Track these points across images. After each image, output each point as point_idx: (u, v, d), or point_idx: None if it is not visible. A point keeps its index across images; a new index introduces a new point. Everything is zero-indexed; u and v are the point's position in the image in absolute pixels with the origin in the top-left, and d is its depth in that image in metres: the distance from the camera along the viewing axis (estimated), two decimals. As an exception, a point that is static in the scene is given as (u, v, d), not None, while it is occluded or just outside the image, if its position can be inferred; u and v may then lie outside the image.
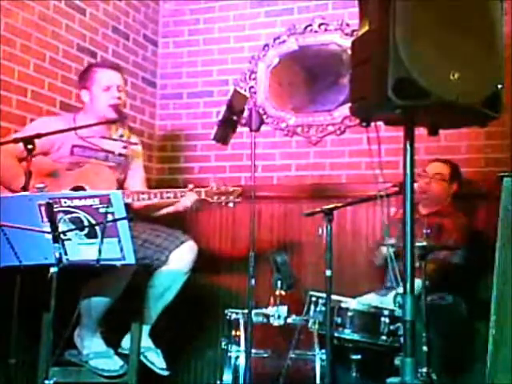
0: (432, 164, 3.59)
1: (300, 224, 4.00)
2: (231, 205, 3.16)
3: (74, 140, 3.15)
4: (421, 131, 2.11)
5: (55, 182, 3.04)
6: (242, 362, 2.92)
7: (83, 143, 3.18)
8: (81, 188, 3.05)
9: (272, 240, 4.09)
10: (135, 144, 3.45)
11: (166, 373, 3.27)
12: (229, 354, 3.00)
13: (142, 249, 3.17)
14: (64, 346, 2.71)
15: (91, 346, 3.14)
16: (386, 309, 3.01)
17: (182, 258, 3.25)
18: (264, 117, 4.16)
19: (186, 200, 3.14)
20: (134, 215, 3.26)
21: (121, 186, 3.33)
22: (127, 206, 3.07)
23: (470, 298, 3.45)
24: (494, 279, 2.29)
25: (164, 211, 3.31)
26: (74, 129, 3.04)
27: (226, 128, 2.80)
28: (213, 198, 3.15)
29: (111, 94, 3.24)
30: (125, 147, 3.36)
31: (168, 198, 3.14)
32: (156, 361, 3.25)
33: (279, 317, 2.92)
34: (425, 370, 2.84)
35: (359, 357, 3.03)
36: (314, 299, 3.07)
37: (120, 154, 3.33)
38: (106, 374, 3.09)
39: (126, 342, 3.24)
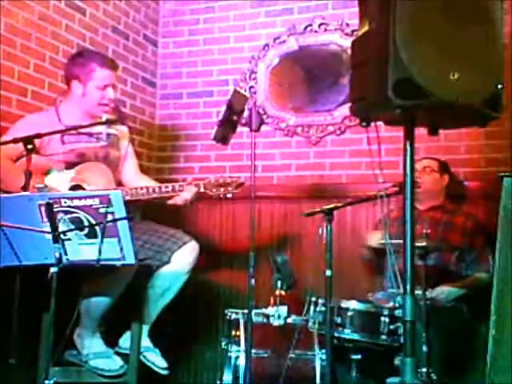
0: (420, 161, 3.57)
1: (300, 224, 4.00)
2: (230, 196, 3.16)
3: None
4: (421, 131, 2.11)
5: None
6: (242, 362, 2.92)
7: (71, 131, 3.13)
8: (78, 186, 3.05)
9: (272, 240, 4.08)
10: (121, 124, 3.39)
11: (166, 372, 3.28)
12: (229, 354, 3.00)
13: (144, 250, 3.17)
14: (64, 346, 2.71)
15: (91, 346, 3.15)
16: (386, 308, 3.01)
17: (184, 258, 3.26)
18: (264, 117, 4.16)
19: (186, 193, 3.14)
20: (138, 210, 3.30)
21: (117, 164, 3.32)
22: (129, 203, 3.13)
23: (471, 297, 3.45)
24: (494, 279, 2.29)
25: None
26: (75, 128, 3.04)
27: (226, 128, 2.79)
28: (212, 191, 3.15)
29: (105, 94, 3.21)
30: (108, 126, 3.30)
31: (167, 192, 3.14)
32: (156, 360, 3.26)
33: (279, 317, 2.92)
34: (425, 369, 2.84)
35: (359, 357, 3.03)
36: (313, 299, 3.07)
37: (108, 134, 3.29)
38: (105, 373, 3.09)
39: (123, 341, 3.25)
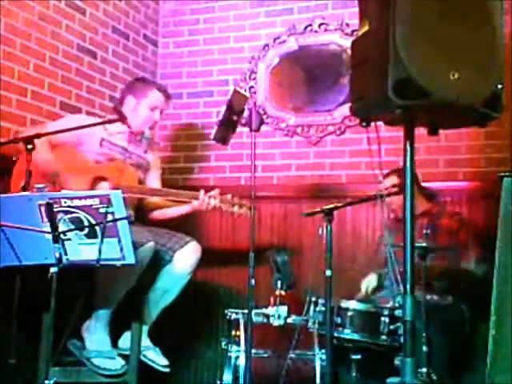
0: (387, 179, 3.41)
1: (300, 224, 4.00)
2: (240, 216, 3.31)
3: (103, 134, 3.30)
4: (421, 131, 2.11)
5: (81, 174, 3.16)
6: (242, 362, 2.92)
7: (111, 139, 3.33)
8: (102, 178, 3.16)
9: (272, 240, 4.08)
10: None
11: (167, 369, 3.28)
12: (229, 354, 3.00)
13: None
14: (64, 346, 2.71)
15: (99, 342, 3.13)
16: (385, 308, 3.01)
17: (186, 258, 3.27)
18: (264, 117, 4.16)
19: (214, 201, 3.26)
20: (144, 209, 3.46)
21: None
22: (138, 201, 3.34)
23: (471, 298, 3.45)
24: (494, 279, 2.29)
25: (176, 210, 3.44)
26: (75, 128, 3.04)
27: (226, 128, 2.79)
28: (226, 206, 3.29)
29: (153, 115, 3.44)
30: (145, 151, 3.54)
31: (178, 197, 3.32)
32: (156, 359, 3.26)
33: (279, 317, 2.92)
34: (425, 369, 2.83)
35: (359, 357, 3.03)
36: (313, 299, 3.07)
37: (141, 158, 3.50)
38: (106, 372, 3.09)
39: (123, 341, 3.24)
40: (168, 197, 3.33)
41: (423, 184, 3.55)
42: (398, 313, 2.86)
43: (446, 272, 3.34)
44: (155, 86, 3.55)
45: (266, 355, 3.01)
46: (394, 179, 3.41)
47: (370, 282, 3.55)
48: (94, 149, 3.27)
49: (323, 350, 2.94)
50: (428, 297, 3.01)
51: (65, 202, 2.33)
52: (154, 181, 3.59)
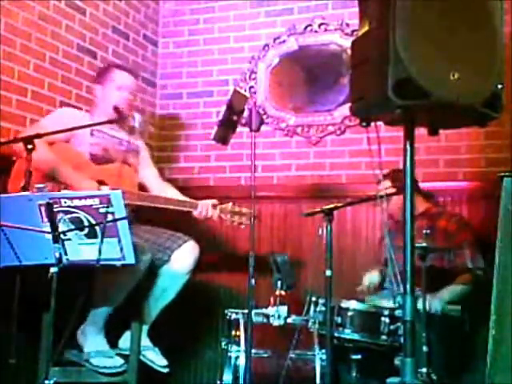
0: (381, 183, 3.34)
1: (300, 224, 4.00)
2: (242, 227, 3.31)
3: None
4: (421, 131, 2.11)
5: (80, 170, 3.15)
6: (242, 362, 2.92)
7: (100, 128, 3.31)
8: (102, 182, 3.13)
9: (272, 240, 4.08)
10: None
11: (166, 370, 3.28)
12: (229, 353, 3.00)
13: None
14: (64, 346, 2.71)
15: (95, 343, 3.12)
16: (386, 308, 3.01)
17: (184, 257, 3.27)
18: (264, 117, 4.16)
19: (212, 212, 3.27)
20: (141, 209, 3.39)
21: (135, 170, 3.46)
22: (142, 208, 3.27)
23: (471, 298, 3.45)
24: (494, 279, 2.29)
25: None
26: (74, 129, 3.05)
27: (226, 128, 2.80)
28: (226, 216, 3.30)
29: (122, 95, 3.37)
30: (137, 137, 3.50)
31: (184, 206, 3.31)
32: (155, 359, 3.26)
33: (279, 317, 2.92)
34: (425, 369, 2.83)
35: (359, 357, 3.03)
36: (314, 299, 3.07)
37: (128, 142, 3.44)
38: (106, 371, 3.08)
39: (123, 342, 3.24)
40: (168, 205, 3.27)
41: (421, 184, 3.55)
42: (398, 313, 2.87)
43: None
44: (117, 66, 3.53)
45: (266, 355, 3.01)
46: (387, 183, 3.40)
47: (372, 278, 3.54)
48: (86, 139, 3.24)
49: (323, 350, 2.93)
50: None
51: (65, 202, 2.33)
52: (146, 165, 3.58)
